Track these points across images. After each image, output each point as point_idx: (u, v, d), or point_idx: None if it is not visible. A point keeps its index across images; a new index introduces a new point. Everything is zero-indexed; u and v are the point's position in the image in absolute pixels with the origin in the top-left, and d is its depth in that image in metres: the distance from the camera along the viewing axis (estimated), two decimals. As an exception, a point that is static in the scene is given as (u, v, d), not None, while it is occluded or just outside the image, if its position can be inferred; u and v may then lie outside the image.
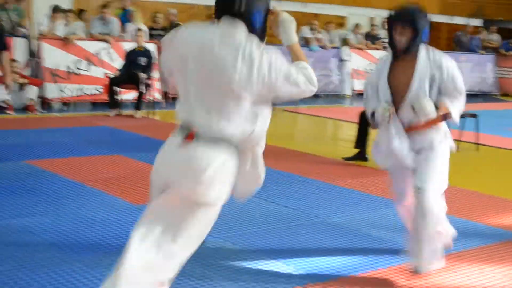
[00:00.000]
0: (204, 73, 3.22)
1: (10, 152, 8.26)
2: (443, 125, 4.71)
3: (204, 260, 4.83)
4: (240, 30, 3.24)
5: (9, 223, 5.49)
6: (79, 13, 14.29)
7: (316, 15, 19.06)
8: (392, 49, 4.71)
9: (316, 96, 17.00)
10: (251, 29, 3.28)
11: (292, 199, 6.71)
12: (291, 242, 5.38)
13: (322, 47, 16.93)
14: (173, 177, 3.25)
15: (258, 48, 3.19)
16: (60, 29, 12.95)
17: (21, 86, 11.80)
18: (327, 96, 17.26)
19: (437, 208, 4.60)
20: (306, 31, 16.80)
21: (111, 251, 4.96)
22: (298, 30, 13.06)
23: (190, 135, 3.24)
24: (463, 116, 10.08)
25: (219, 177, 3.22)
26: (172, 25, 14.54)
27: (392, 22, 4.65)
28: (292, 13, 3.62)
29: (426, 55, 4.67)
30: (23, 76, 11.94)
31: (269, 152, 8.57)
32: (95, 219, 5.71)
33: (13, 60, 11.91)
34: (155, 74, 12.70)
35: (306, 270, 4.77)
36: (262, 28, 3.36)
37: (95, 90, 12.82)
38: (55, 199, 6.28)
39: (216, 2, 3.36)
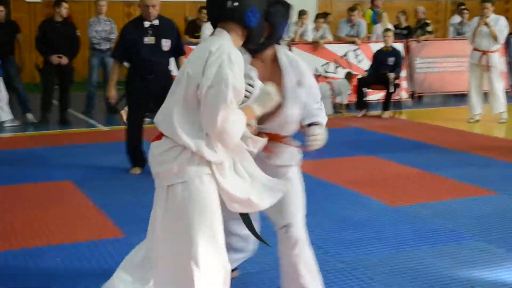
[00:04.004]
0: None
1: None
2: None
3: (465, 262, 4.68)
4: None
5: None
6: (324, 16, 14.46)
7: None
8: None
9: None
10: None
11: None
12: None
13: None
14: None
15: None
16: (309, 34, 13.21)
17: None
18: None
19: None
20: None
21: (371, 251, 4.95)
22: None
23: None
24: None
25: None
26: (420, 23, 14.29)
27: None
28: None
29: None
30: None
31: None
32: (353, 220, 5.73)
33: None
34: (403, 73, 12.57)
35: None
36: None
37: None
38: (313, 200, 6.36)
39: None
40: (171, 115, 3.18)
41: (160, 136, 3.27)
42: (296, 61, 3.76)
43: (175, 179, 3.19)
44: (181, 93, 3.18)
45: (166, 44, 7.17)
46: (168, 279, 3.26)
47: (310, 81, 3.79)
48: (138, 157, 7.45)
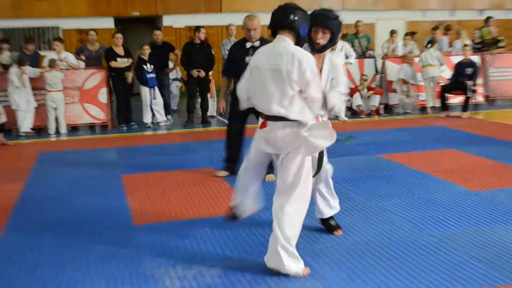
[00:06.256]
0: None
1: (365, 147, 8.53)
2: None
3: None
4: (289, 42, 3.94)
5: (369, 204, 5.71)
6: (411, 34, 14.17)
7: None
8: (311, 47, 4.34)
9: None
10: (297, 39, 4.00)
11: None
12: None
13: None
14: None
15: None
16: (399, 50, 13.05)
17: (368, 96, 12.12)
18: None
19: None
20: None
21: (456, 228, 4.91)
22: None
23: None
24: None
25: None
26: (494, 40, 13.83)
27: (314, 24, 4.26)
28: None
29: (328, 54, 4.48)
30: (370, 88, 12.24)
31: None
32: (440, 202, 5.68)
33: (363, 75, 12.30)
34: (479, 81, 12.21)
35: None
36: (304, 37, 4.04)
37: (428, 97, 12.69)
38: (406, 185, 6.37)
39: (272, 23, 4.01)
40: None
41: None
42: (336, 65, 4.42)
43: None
44: (282, 86, 3.87)
45: None
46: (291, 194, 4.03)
47: (343, 79, 4.41)
48: (234, 161, 6.99)
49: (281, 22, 3.95)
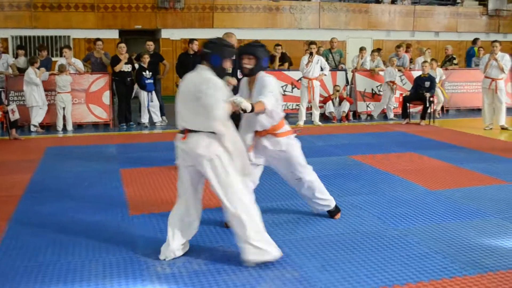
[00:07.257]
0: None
1: (336, 149, 8.40)
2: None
3: (486, 233, 4.44)
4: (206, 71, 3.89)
5: (340, 199, 5.54)
6: (377, 51, 14.09)
7: None
8: (241, 72, 4.41)
9: None
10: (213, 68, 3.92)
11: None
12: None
13: None
14: None
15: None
16: (367, 64, 12.94)
17: (340, 103, 12.00)
18: None
19: None
20: None
21: (417, 223, 4.78)
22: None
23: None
24: None
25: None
26: (448, 57, 13.78)
27: (241, 53, 4.33)
28: None
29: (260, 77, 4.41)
30: (341, 97, 12.12)
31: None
32: (402, 199, 5.55)
33: (336, 85, 12.18)
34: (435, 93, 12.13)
35: None
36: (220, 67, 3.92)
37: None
38: (371, 183, 6.24)
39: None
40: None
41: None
42: (265, 84, 4.31)
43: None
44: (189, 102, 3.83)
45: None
46: (233, 199, 3.83)
47: (269, 87, 4.28)
48: None
49: (201, 54, 4.02)
